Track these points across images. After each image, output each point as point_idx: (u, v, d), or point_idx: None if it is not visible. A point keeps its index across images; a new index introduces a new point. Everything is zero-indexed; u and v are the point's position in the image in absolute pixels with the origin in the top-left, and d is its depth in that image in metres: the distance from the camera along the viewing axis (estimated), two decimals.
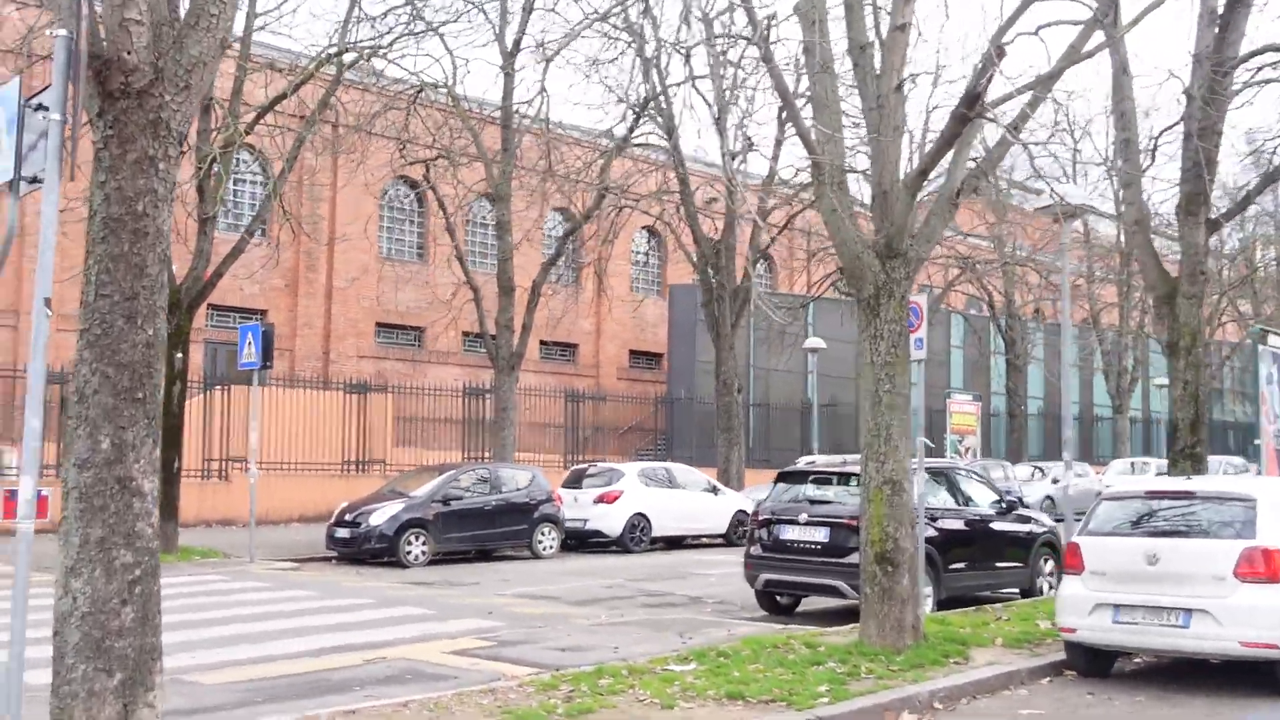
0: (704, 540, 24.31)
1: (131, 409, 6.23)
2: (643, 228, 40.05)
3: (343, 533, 19.51)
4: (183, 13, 6.62)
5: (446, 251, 35.26)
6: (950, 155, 10.85)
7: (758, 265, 30.75)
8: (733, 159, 28.63)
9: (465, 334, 36.43)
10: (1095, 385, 49.27)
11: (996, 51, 9.94)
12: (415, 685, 9.09)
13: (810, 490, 13.82)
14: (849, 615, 13.25)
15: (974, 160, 11.47)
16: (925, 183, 11.27)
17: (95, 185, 6.29)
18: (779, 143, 29.08)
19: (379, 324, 34.82)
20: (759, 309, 34.53)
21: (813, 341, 31.77)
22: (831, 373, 36.72)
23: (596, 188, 25.49)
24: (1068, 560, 10.65)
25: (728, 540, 24.09)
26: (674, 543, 23.61)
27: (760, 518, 13.74)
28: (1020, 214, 38.11)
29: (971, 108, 9.93)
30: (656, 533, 22.80)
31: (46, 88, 8.89)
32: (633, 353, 41.57)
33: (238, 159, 24.25)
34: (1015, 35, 10.45)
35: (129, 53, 6.17)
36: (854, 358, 37.20)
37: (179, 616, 12.30)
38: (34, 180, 8.63)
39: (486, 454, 30.37)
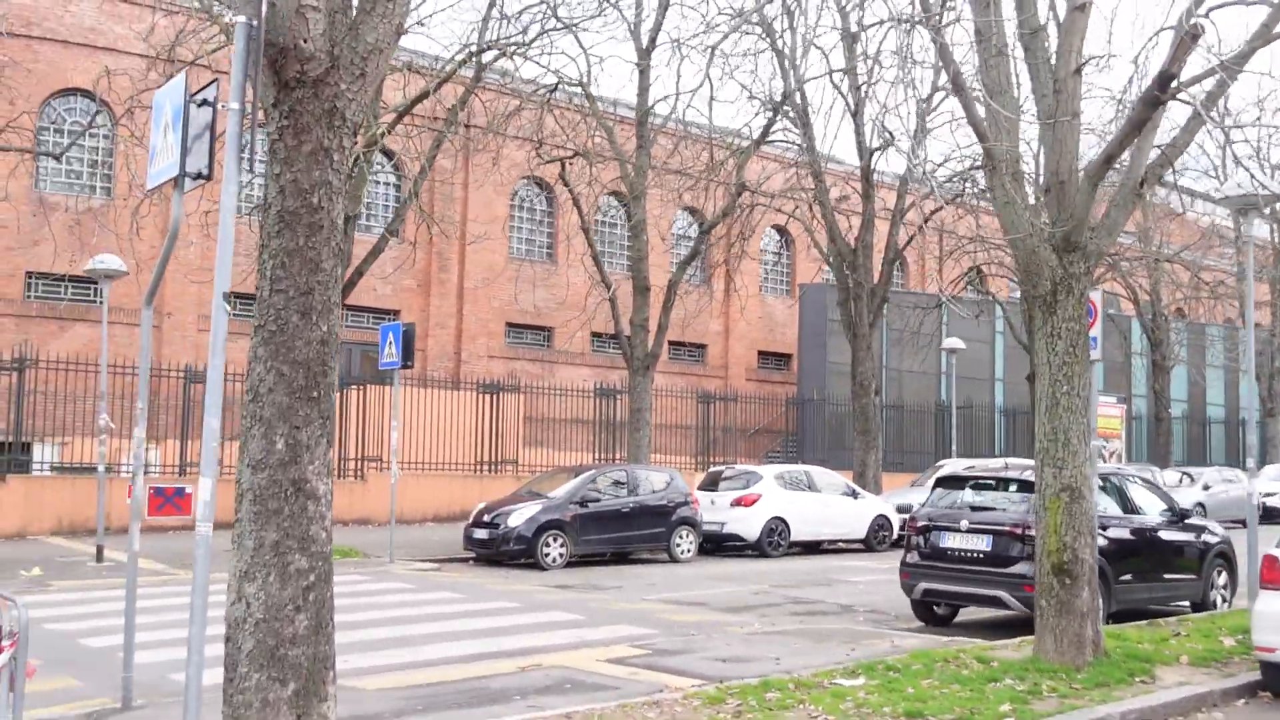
0: (840, 545, 23.73)
1: (306, 408, 6.02)
2: (772, 226, 39.49)
3: (481, 534, 19.42)
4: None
5: (575, 252, 35.25)
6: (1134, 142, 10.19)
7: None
8: (871, 155, 27.98)
9: (594, 334, 36.33)
10: (1245, 387, 47.03)
11: (1190, 31, 9.25)
12: (576, 696, 8.79)
13: (970, 496, 13.20)
14: (1011, 627, 12.64)
15: (1158, 147, 10.78)
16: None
17: (270, 178, 6.10)
18: (917, 137, 28.30)
19: (509, 324, 34.89)
20: (896, 309, 33.90)
21: (951, 342, 30.87)
22: (965, 374, 35.71)
23: (734, 186, 25.04)
24: (1265, 574, 9.90)
25: (867, 545, 23.45)
26: (810, 547, 23.07)
27: (918, 524, 13.16)
28: (1162, 209, 36.56)
29: (1164, 89, 9.26)
30: (795, 537, 22.27)
31: (209, 84, 8.82)
32: (761, 353, 41.01)
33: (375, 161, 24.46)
34: (1207, 9, 9.77)
35: (305, 40, 5.96)
36: (988, 359, 36.18)
37: (344, 616, 12.28)
38: (198, 176, 8.60)
39: (617, 455, 30.20)
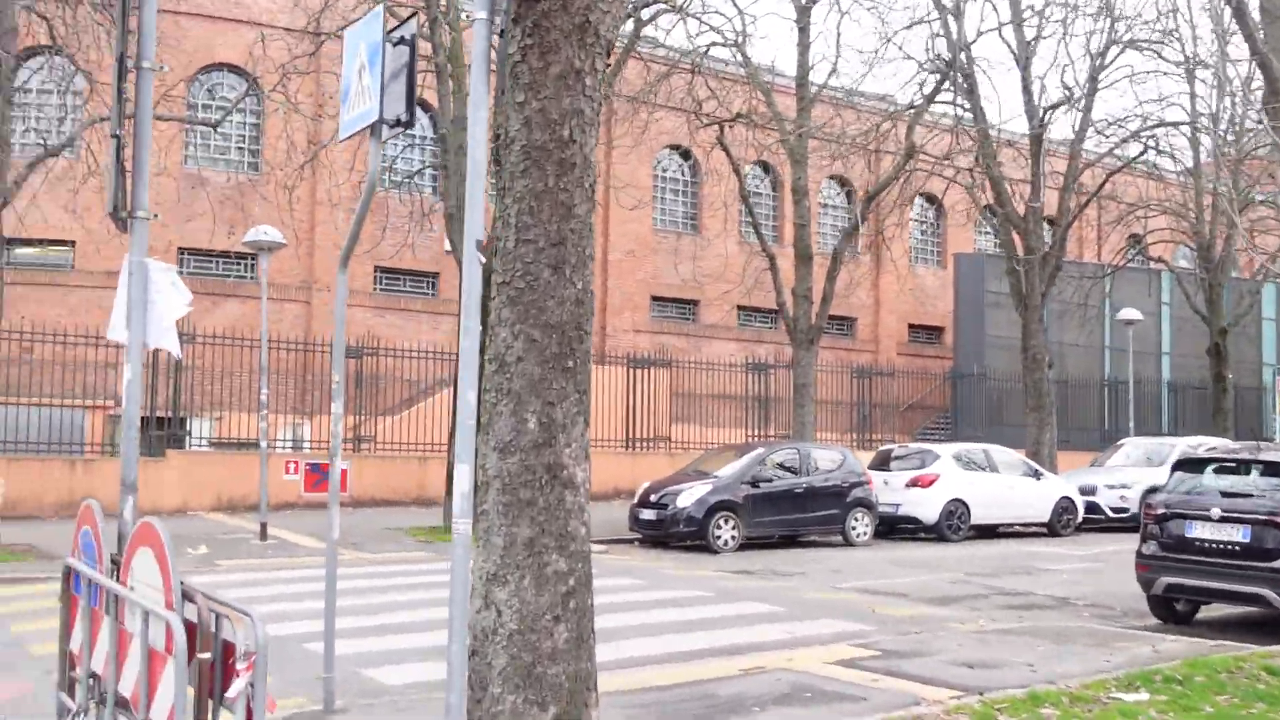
0: (1017, 529, 22.25)
1: (561, 380, 5.07)
2: (920, 195, 37.79)
3: (648, 514, 18.52)
4: None
5: (722, 222, 34.17)
6: None
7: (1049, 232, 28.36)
8: (1043, 115, 26.30)
9: (740, 308, 35.23)
10: None
11: None
12: (821, 707, 7.74)
13: (1216, 481, 11.76)
14: (1263, 628, 11.24)
15: None
16: None
17: (511, 108, 5.13)
18: (1090, 99, 26.50)
19: (654, 298, 33.98)
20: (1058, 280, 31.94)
21: (1128, 313, 28.93)
22: (1128, 347, 33.61)
23: (903, 150, 23.63)
24: None
25: (1050, 530, 21.95)
26: (986, 531, 21.63)
27: (1156, 512, 11.76)
28: None
29: None
30: (974, 520, 20.90)
31: (408, 18, 7.87)
32: (912, 326, 39.40)
33: None
34: None
35: None
36: (1153, 332, 33.68)
37: None
38: (397, 123, 7.71)
39: (770, 432, 29.10)
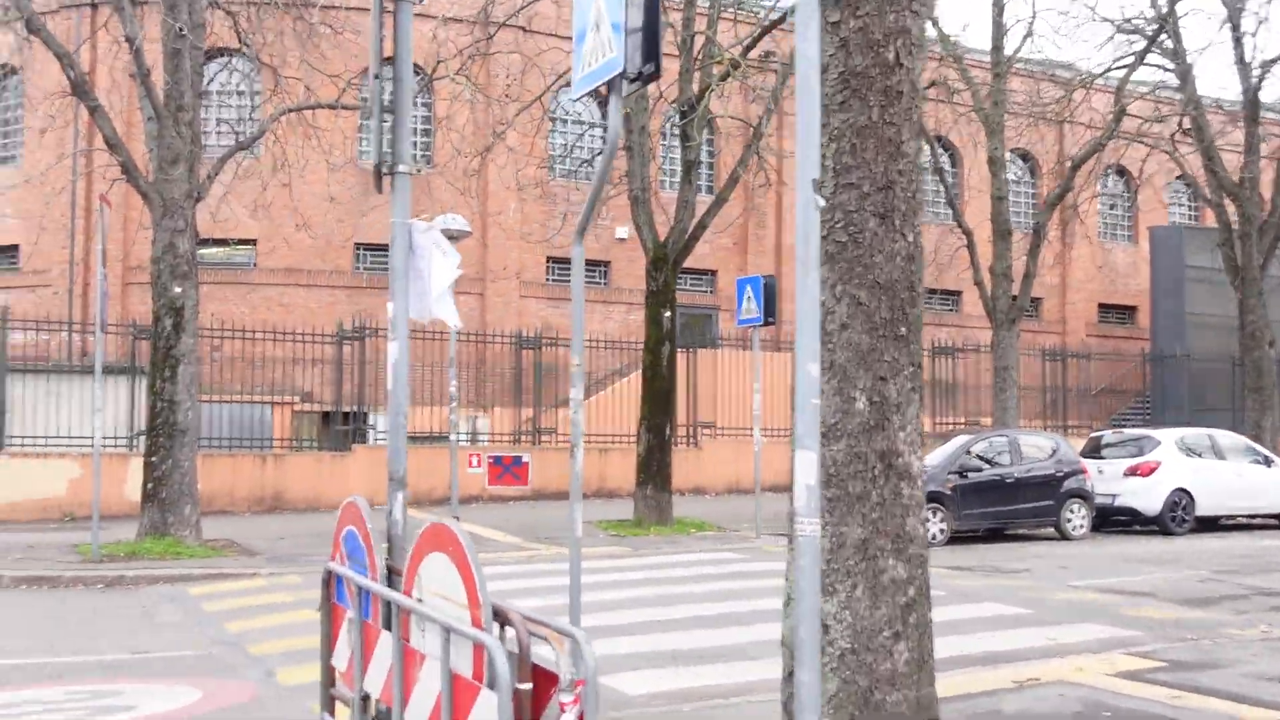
0: (1241, 520, 20.53)
1: (893, 351, 4.26)
2: (1108, 167, 35.73)
3: None
4: None
5: None
6: None
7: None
8: (1257, 72, 24.36)
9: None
10: None
11: None
12: None
13: None
14: None
15: None
16: None
17: (825, 30, 4.32)
18: None
19: None
20: None
21: None
22: None
23: (1095, 123, 22.13)
24: None
25: None
26: (1208, 524, 19.91)
27: None
28: None
29: None
30: (1199, 512, 19.33)
31: None
32: (1101, 306, 37.33)
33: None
34: None
35: None
36: None
37: (745, 605, 10.73)
38: (638, 78, 6.98)
39: (958, 420, 27.79)
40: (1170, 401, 31.97)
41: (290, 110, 17.42)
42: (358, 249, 27.75)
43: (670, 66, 21.75)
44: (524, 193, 25.78)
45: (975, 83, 21.71)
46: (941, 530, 17.04)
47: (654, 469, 17.75)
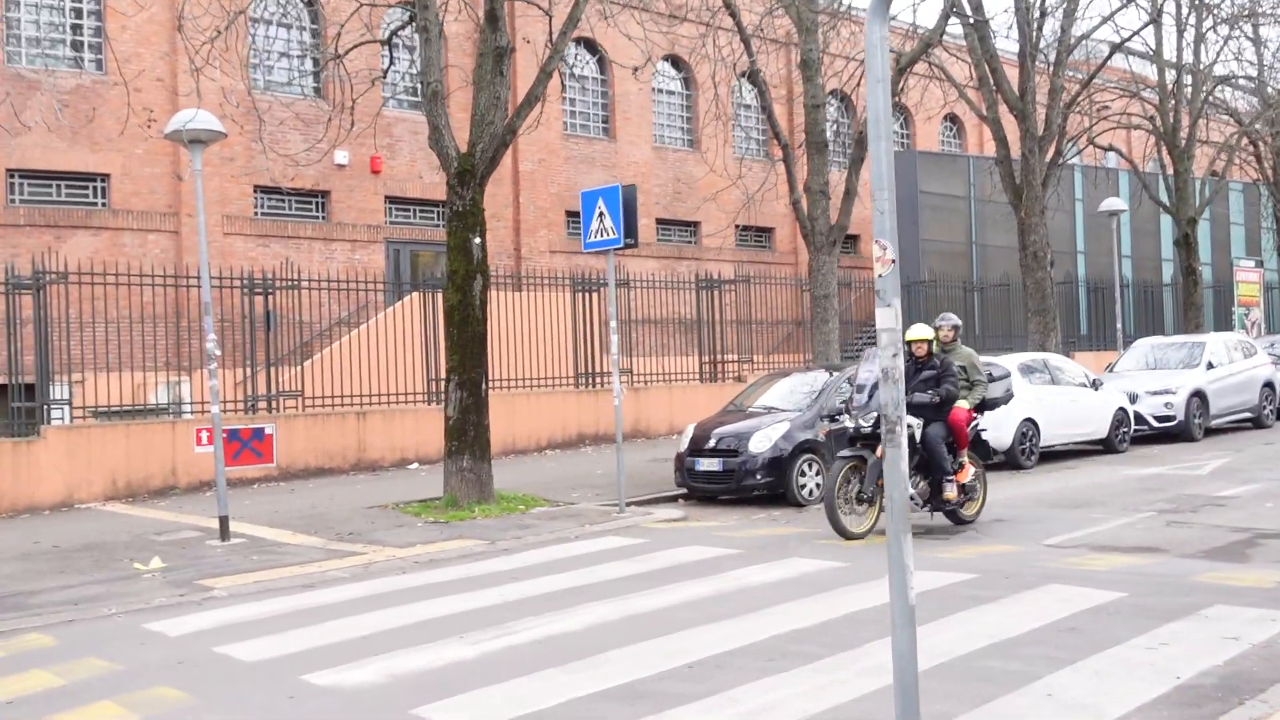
0: (1070, 448, 19.42)
1: None
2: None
3: (709, 464, 14.77)
4: None
5: (634, 127, 30.37)
6: None
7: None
8: None
9: (660, 221, 31.50)
10: None
11: None
12: None
13: None
14: None
15: None
16: None
17: None
18: None
19: (569, 213, 29.73)
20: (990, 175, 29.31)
21: (1111, 203, 26.42)
22: (1060, 248, 31.51)
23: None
24: None
25: (1108, 446, 19.27)
26: (1046, 455, 18.63)
27: None
28: None
29: None
30: (1044, 442, 17.98)
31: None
32: (850, 237, 36.24)
33: None
34: None
35: None
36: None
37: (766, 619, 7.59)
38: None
39: (729, 358, 25.61)
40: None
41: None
42: (11, 176, 21.95)
43: None
44: (223, 108, 21.01)
45: None
46: (818, 485, 14.56)
47: (470, 435, 14.22)
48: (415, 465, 19.59)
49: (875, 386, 11.41)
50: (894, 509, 4.58)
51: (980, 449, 12.66)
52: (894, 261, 4.55)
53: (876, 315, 4.63)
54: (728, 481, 14.59)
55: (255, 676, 7.11)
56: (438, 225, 26.98)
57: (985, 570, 9.46)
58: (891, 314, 4.61)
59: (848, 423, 12.18)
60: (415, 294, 21.31)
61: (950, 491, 11.70)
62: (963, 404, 12.16)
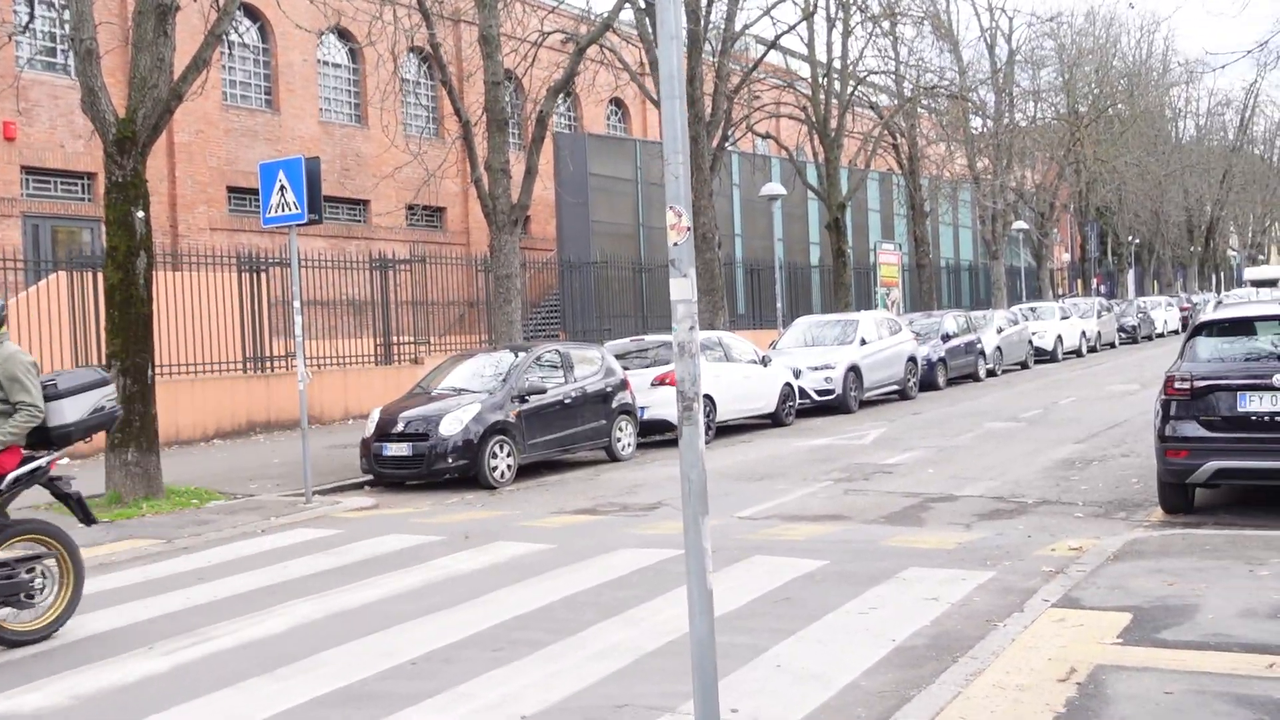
0: (741, 422, 20.22)
1: None
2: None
3: (398, 449, 14.27)
4: None
5: (300, 101, 29.11)
6: None
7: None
8: None
9: (329, 199, 30.21)
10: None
11: None
12: None
13: (1269, 344, 10.08)
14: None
15: None
16: None
17: None
18: None
19: (230, 189, 28.07)
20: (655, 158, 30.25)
21: (772, 188, 27.73)
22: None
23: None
24: None
25: (775, 420, 20.28)
26: (722, 429, 19.37)
27: (1193, 385, 9.85)
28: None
29: None
30: (720, 418, 18.65)
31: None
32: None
33: None
34: None
35: None
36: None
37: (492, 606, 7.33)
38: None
39: (402, 339, 25.04)
40: (584, 310, 31.73)
41: None
42: None
43: None
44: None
45: None
46: (510, 466, 14.44)
47: (136, 426, 13.10)
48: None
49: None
50: (692, 490, 4.48)
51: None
52: (689, 229, 4.41)
53: (671, 286, 4.48)
54: (418, 466, 14.17)
55: None
56: (83, 199, 24.84)
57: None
58: (688, 284, 4.47)
59: None
60: (60, 273, 19.45)
61: None
62: None
